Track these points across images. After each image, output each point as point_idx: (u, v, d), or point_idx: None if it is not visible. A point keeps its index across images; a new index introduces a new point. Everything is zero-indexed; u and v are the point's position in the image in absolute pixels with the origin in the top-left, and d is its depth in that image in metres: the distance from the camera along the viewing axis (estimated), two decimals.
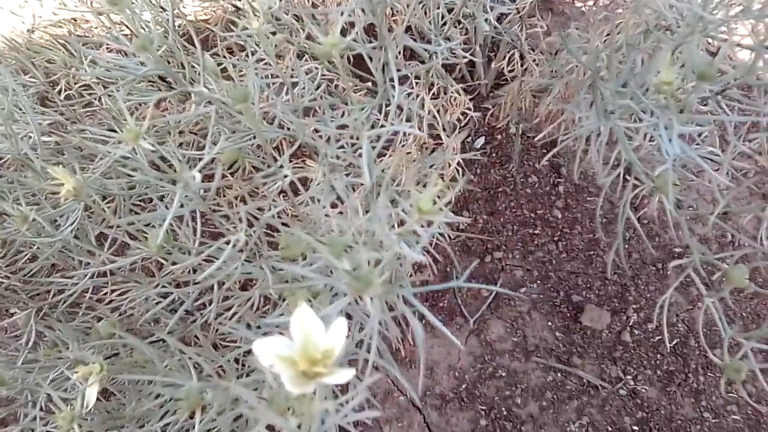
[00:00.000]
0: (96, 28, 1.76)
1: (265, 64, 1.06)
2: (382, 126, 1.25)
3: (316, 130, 1.08)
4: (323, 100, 1.07)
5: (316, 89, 1.11)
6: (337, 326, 0.56)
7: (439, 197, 0.67)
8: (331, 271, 0.88)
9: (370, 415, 0.66)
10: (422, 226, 0.76)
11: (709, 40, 1.09)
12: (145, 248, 0.96)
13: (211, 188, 0.85)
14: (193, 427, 0.87)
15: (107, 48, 1.55)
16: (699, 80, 0.79)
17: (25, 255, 1.38)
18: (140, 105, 1.48)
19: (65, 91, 1.54)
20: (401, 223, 0.79)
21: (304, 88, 1.11)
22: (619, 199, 1.26)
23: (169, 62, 1.04)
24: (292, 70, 1.10)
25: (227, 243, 0.95)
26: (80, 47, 1.37)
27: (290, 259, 1.03)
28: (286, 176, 1.02)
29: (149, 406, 0.86)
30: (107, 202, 1.39)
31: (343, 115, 1.21)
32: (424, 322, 1.60)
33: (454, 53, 1.33)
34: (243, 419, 0.95)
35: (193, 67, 0.95)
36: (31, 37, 1.51)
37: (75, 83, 1.42)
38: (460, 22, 1.51)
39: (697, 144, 1.16)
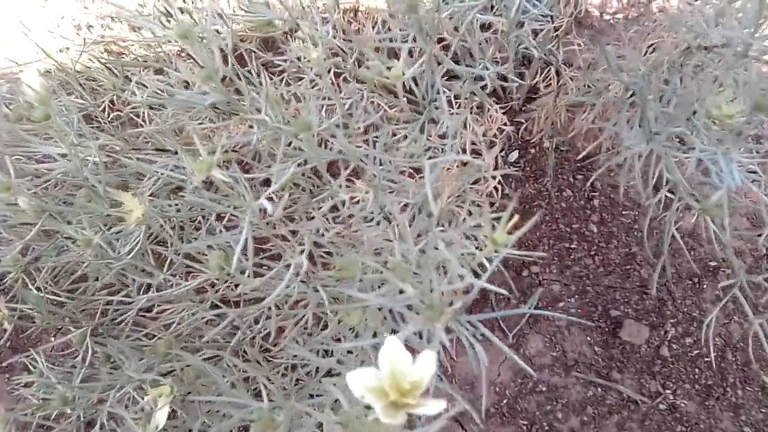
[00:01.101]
0: (137, 48, 1.79)
1: (318, 87, 1.08)
2: (428, 147, 1.28)
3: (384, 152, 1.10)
4: (376, 124, 1.10)
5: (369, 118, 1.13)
6: (425, 358, 0.58)
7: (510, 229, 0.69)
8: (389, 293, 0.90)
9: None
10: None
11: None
12: (206, 270, 0.98)
13: (275, 213, 0.87)
14: None
15: (154, 70, 1.58)
16: (754, 110, 0.81)
17: (77, 274, 1.41)
18: (182, 128, 1.51)
19: (112, 112, 1.57)
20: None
21: (356, 111, 1.13)
22: (646, 217, 1.27)
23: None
24: (344, 94, 1.13)
25: (287, 266, 0.98)
26: (132, 70, 1.40)
27: (345, 279, 1.06)
28: (342, 199, 1.05)
29: (218, 428, 0.89)
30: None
31: (393, 135, 1.23)
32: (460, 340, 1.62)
33: (507, 75, 1.35)
34: None
35: (254, 94, 0.98)
36: (80, 60, 1.55)
37: (125, 104, 1.45)
38: (488, 40, 1.53)
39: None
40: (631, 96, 1.39)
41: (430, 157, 1.09)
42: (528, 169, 1.93)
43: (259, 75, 1.04)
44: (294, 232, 1.03)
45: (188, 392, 1.06)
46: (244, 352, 1.29)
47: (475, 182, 1.68)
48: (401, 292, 0.93)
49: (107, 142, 1.32)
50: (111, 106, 1.64)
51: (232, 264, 0.87)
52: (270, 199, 0.86)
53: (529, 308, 1.63)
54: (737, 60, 0.99)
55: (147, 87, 1.35)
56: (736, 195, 1.26)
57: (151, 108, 1.48)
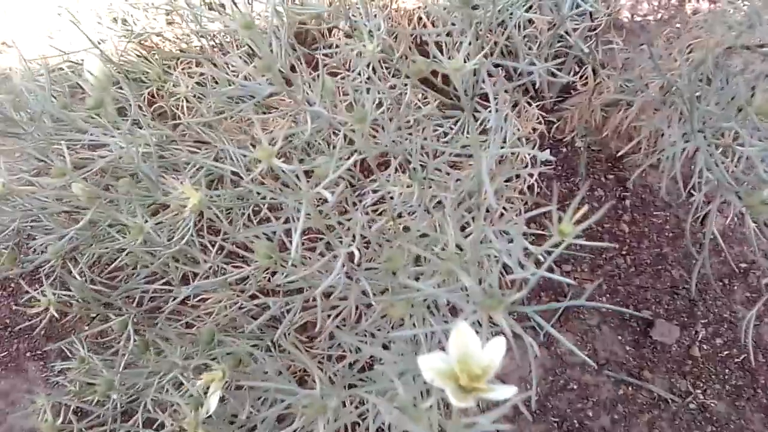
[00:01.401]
0: (173, 41, 1.80)
1: (370, 80, 1.09)
2: (464, 145, 1.28)
3: (423, 147, 1.11)
4: (418, 119, 1.11)
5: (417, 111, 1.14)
6: (495, 343, 0.59)
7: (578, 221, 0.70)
8: (439, 285, 0.91)
9: (505, 428, 0.69)
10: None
11: None
12: (257, 259, 0.99)
13: (330, 202, 0.88)
14: None
15: (196, 63, 1.60)
16: None
17: (115, 264, 1.43)
18: (226, 119, 1.52)
19: (152, 104, 1.59)
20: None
21: (401, 105, 1.14)
22: (688, 214, 1.28)
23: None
24: (392, 87, 1.14)
25: (335, 257, 0.99)
26: (169, 63, 1.42)
27: (391, 271, 1.07)
28: (388, 191, 1.06)
29: (266, 413, 0.90)
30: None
31: (436, 130, 1.24)
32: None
33: (557, 73, 1.36)
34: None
35: (307, 85, 0.99)
36: (124, 51, 1.56)
37: (167, 96, 1.46)
38: (533, 36, 1.54)
39: None
40: (671, 95, 1.39)
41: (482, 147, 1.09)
42: (560, 168, 1.94)
43: (314, 67, 1.05)
44: (341, 224, 1.04)
45: (228, 381, 1.07)
46: (280, 345, 1.30)
47: (508, 180, 1.69)
48: (444, 283, 0.94)
49: (154, 132, 1.34)
50: (151, 98, 1.66)
51: (285, 248, 0.88)
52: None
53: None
54: None
55: (191, 78, 1.36)
56: None
57: (188, 102, 1.49)
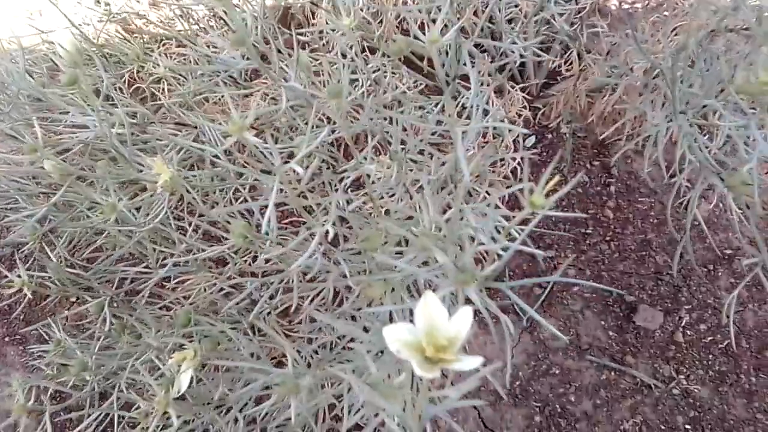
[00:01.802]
0: (156, 24, 1.79)
1: (348, 58, 1.08)
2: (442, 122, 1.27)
3: (404, 128, 1.10)
4: (404, 95, 1.10)
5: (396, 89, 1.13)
6: (461, 314, 0.58)
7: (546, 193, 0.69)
8: (419, 266, 0.90)
9: (473, 403, 0.68)
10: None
11: None
12: (230, 239, 0.98)
13: (304, 177, 0.87)
14: (275, 413, 0.90)
15: (177, 43, 1.58)
16: None
17: (94, 245, 1.41)
18: (206, 100, 1.51)
19: (132, 85, 1.57)
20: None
21: (383, 81, 1.13)
22: (675, 201, 1.27)
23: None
24: (373, 68, 1.12)
25: (311, 235, 0.98)
26: (151, 45, 1.40)
27: (369, 251, 1.06)
28: (366, 172, 1.04)
29: (240, 392, 0.89)
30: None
31: (417, 110, 1.23)
32: (479, 317, 1.62)
33: (513, 52, 1.35)
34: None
35: (282, 62, 0.97)
36: (102, 31, 1.55)
37: (147, 77, 1.44)
38: (511, 21, 1.53)
39: None
40: (655, 77, 1.38)
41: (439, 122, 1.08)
42: (544, 154, 1.93)
43: (287, 45, 1.03)
44: (319, 205, 1.03)
45: (205, 364, 1.06)
46: (259, 329, 1.29)
47: (492, 165, 1.68)
48: (425, 264, 0.93)
49: (131, 110, 1.32)
50: (132, 79, 1.64)
51: (261, 228, 0.87)
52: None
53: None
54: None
55: (171, 59, 1.35)
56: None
57: (169, 85, 1.47)
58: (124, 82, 1.54)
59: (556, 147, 1.93)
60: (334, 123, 1.04)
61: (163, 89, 1.51)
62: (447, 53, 1.17)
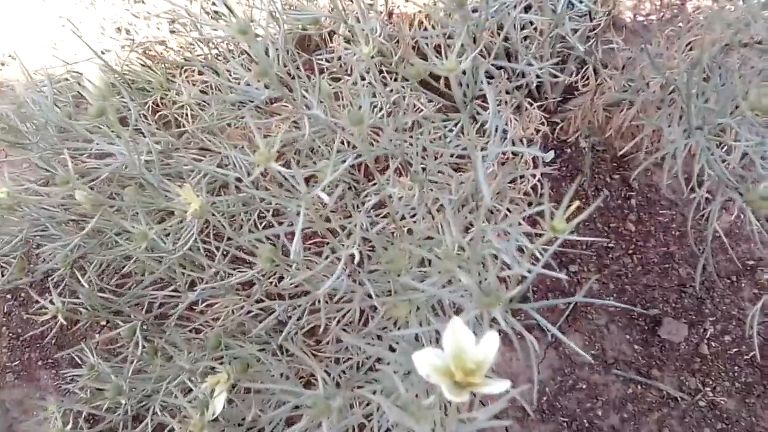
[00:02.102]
0: (176, 50, 1.82)
1: (368, 83, 1.10)
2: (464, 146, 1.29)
3: (424, 149, 1.12)
4: (419, 121, 1.12)
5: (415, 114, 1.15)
6: (488, 339, 0.60)
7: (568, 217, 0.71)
8: (443, 286, 0.92)
9: (502, 424, 0.69)
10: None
11: None
12: (258, 263, 1.01)
13: (329, 204, 0.89)
14: None
15: (198, 71, 1.61)
16: None
17: (123, 271, 1.44)
18: (229, 125, 1.53)
19: (156, 113, 1.60)
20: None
21: (400, 108, 1.15)
22: (696, 214, 1.28)
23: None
24: (391, 91, 1.15)
25: (338, 258, 1.00)
26: (172, 72, 1.44)
27: (394, 272, 1.08)
28: (388, 194, 1.06)
29: (272, 414, 0.91)
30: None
31: (435, 133, 1.25)
32: (501, 336, 1.63)
33: (539, 77, 1.37)
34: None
35: (306, 90, 1.00)
36: (126, 60, 1.58)
37: (170, 104, 1.47)
38: (530, 37, 1.54)
39: None
40: (671, 93, 1.40)
41: (482, 148, 1.10)
42: (564, 168, 1.94)
43: (306, 68, 1.06)
44: (343, 227, 1.05)
45: (235, 385, 1.08)
46: (286, 349, 1.31)
47: (512, 181, 1.70)
48: (449, 283, 0.94)
49: (156, 139, 1.35)
50: (155, 106, 1.67)
51: (289, 253, 0.89)
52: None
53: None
54: None
55: (194, 86, 1.38)
56: None
57: (191, 110, 1.50)
58: (149, 109, 1.57)
59: (576, 161, 1.94)
60: (355, 147, 1.06)
61: (187, 115, 1.54)
62: (464, 73, 1.19)
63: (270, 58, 0.94)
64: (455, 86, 0.89)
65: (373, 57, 1.05)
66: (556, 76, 1.32)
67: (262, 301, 1.27)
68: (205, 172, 1.19)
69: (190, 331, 1.38)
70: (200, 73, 1.62)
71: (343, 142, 1.11)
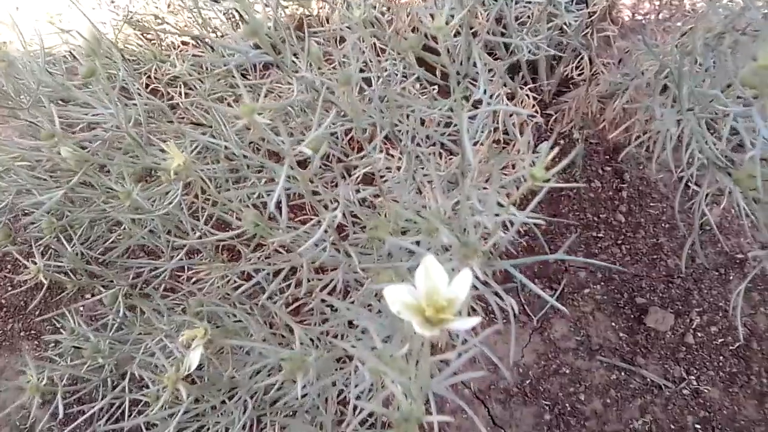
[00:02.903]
0: (174, 25, 1.82)
1: (362, 52, 1.10)
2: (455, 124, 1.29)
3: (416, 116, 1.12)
4: (412, 92, 1.12)
5: (406, 82, 1.15)
6: (461, 277, 0.59)
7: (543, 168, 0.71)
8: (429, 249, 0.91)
9: (475, 375, 0.69)
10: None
11: None
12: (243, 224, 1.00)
13: (314, 162, 0.89)
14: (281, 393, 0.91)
15: (193, 44, 1.61)
16: None
17: (110, 239, 1.44)
18: (221, 100, 1.53)
19: (150, 85, 1.60)
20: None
21: (392, 77, 1.15)
22: (687, 203, 1.28)
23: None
24: (379, 62, 1.15)
25: (318, 223, 1.00)
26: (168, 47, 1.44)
27: (377, 240, 1.07)
28: (381, 160, 1.06)
29: (248, 371, 0.91)
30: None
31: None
32: (489, 317, 1.63)
33: (534, 54, 1.37)
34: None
35: (295, 56, 1.00)
36: (121, 31, 1.58)
37: (164, 76, 1.47)
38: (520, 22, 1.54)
39: None
40: (665, 77, 1.40)
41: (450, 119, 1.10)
42: (557, 159, 1.94)
43: (309, 37, 1.05)
44: (326, 192, 1.05)
45: (220, 350, 1.08)
46: (269, 316, 1.31)
47: (503, 169, 1.70)
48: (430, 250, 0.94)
49: (146, 101, 1.35)
50: (149, 79, 1.67)
51: (275, 218, 0.89)
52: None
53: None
54: None
55: (185, 62, 1.38)
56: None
57: (186, 85, 1.50)
58: (142, 83, 1.57)
59: (569, 153, 1.94)
60: (345, 116, 1.06)
61: (180, 92, 1.54)
62: (458, 52, 1.19)
63: (261, 21, 0.94)
64: (444, 54, 0.89)
65: (365, 26, 1.06)
66: (549, 54, 1.32)
67: (247, 268, 1.27)
68: (192, 138, 1.18)
69: (174, 300, 1.38)
70: (195, 47, 1.62)
71: (328, 110, 1.11)
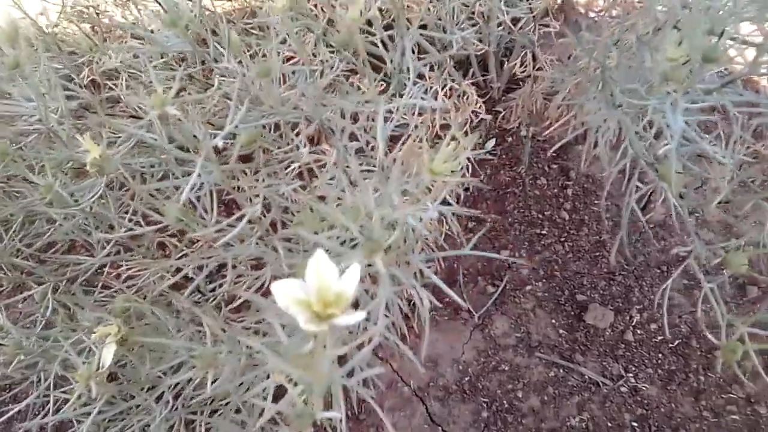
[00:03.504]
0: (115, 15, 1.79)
1: (288, 45, 1.09)
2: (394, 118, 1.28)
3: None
4: (341, 84, 1.11)
5: (334, 73, 1.14)
6: (350, 271, 0.59)
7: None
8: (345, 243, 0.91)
9: (374, 372, 0.68)
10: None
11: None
12: (164, 219, 0.99)
13: (230, 161, 0.88)
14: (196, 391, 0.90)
15: (132, 35, 1.59)
16: (703, 62, 0.82)
17: (43, 232, 1.41)
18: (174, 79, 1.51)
19: (89, 77, 1.58)
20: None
21: (325, 70, 1.14)
22: (624, 197, 1.28)
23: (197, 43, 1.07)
24: (313, 55, 1.14)
25: (243, 217, 0.99)
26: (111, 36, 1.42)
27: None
28: (305, 154, 1.06)
29: (163, 368, 0.89)
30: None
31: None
32: (430, 316, 1.63)
33: (466, 49, 1.37)
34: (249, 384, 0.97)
35: (218, 46, 0.99)
36: (59, 22, 1.55)
37: (100, 69, 1.45)
38: (474, 24, 1.54)
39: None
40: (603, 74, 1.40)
41: (389, 112, 1.10)
42: (504, 156, 1.95)
43: (228, 29, 1.04)
44: (255, 188, 1.04)
45: (141, 346, 1.06)
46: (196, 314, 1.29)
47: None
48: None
49: (82, 100, 1.33)
50: (91, 72, 1.65)
51: (206, 216, 0.88)
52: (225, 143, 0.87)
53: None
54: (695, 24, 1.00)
55: (126, 53, 1.36)
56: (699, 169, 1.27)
57: (126, 77, 1.48)
58: (80, 74, 1.55)
59: (516, 150, 1.95)
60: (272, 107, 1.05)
61: (117, 85, 1.51)
62: (386, 48, 1.19)
63: (182, 12, 0.93)
64: (361, 46, 0.88)
65: (296, 20, 1.05)
66: (502, 65, 1.32)
67: (179, 268, 1.25)
68: (118, 131, 1.17)
69: (109, 296, 1.36)
70: (134, 37, 1.59)
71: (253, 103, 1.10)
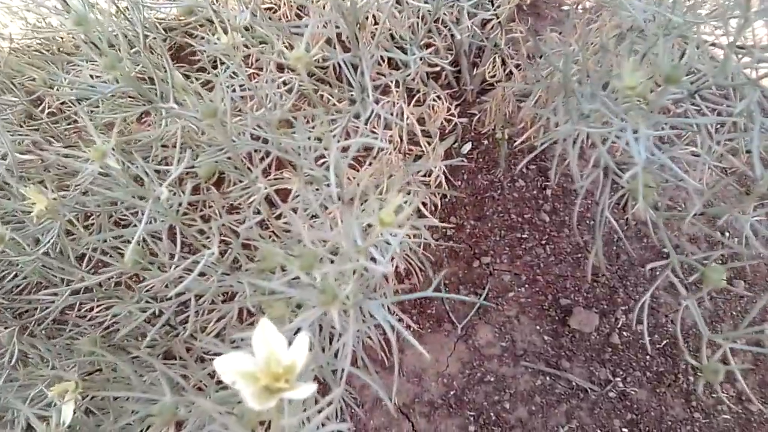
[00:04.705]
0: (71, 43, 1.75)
1: (235, 75, 1.05)
2: (362, 134, 1.25)
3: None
4: (299, 112, 1.07)
5: (291, 99, 1.10)
6: (298, 341, 0.56)
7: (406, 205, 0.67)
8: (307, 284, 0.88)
9: (340, 427, 0.65)
10: (394, 235, 0.76)
11: (685, 41, 1.09)
12: (120, 265, 0.96)
13: (182, 203, 0.85)
14: None
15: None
16: (665, 83, 0.79)
17: (10, 273, 1.38)
18: (123, 120, 1.48)
19: (48, 108, 1.54)
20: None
21: (281, 98, 1.11)
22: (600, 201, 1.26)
23: (143, 78, 1.04)
24: (266, 82, 1.10)
25: (197, 261, 0.95)
26: (59, 65, 1.38)
27: (267, 271, 1.03)
28: (262, 189, 1.02)
29: (127, 422, 0.86)
30: (89, 220, 1.40)
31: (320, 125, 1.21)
32: (412, 329, 1.61)
33: (432, 60, 1.34)
34: None
35: (165, 82, 0.95)
36: (12, 53, 1.52)
37: (57, 100, 1.41)
38: (440, 31, 1.51)
39: (670, 146, 1.17)
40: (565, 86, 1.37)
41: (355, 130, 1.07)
42: (481, 160, 1.91)
43: (172, 67, 1.01)
44: (209, 222, 1.00)
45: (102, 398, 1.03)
46: (173, 356, 1.26)
47: (424, 175, 1.67)
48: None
49: (40, 137, 1.30)
50: (50, 103, 1.61)
51: (146, 257, 0.85)
52: (175, 187, 0.83)
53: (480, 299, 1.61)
54: (657, 38, 0.97)
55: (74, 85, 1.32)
56: (674, 179, 1.24)
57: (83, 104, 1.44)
58: (38, 106, 1.51)
59: (492, 153, 1.92)
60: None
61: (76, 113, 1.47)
62: (351, 68, 1.16)
63: (121, 51, 0.89)
64: (305, 76, 0.85)
65: (247, 47, 1.01)
66: (475, 66, 1.28)
67: (148, 302, 1.22)
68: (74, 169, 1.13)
69: (78, 335, 1.33)
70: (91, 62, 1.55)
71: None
